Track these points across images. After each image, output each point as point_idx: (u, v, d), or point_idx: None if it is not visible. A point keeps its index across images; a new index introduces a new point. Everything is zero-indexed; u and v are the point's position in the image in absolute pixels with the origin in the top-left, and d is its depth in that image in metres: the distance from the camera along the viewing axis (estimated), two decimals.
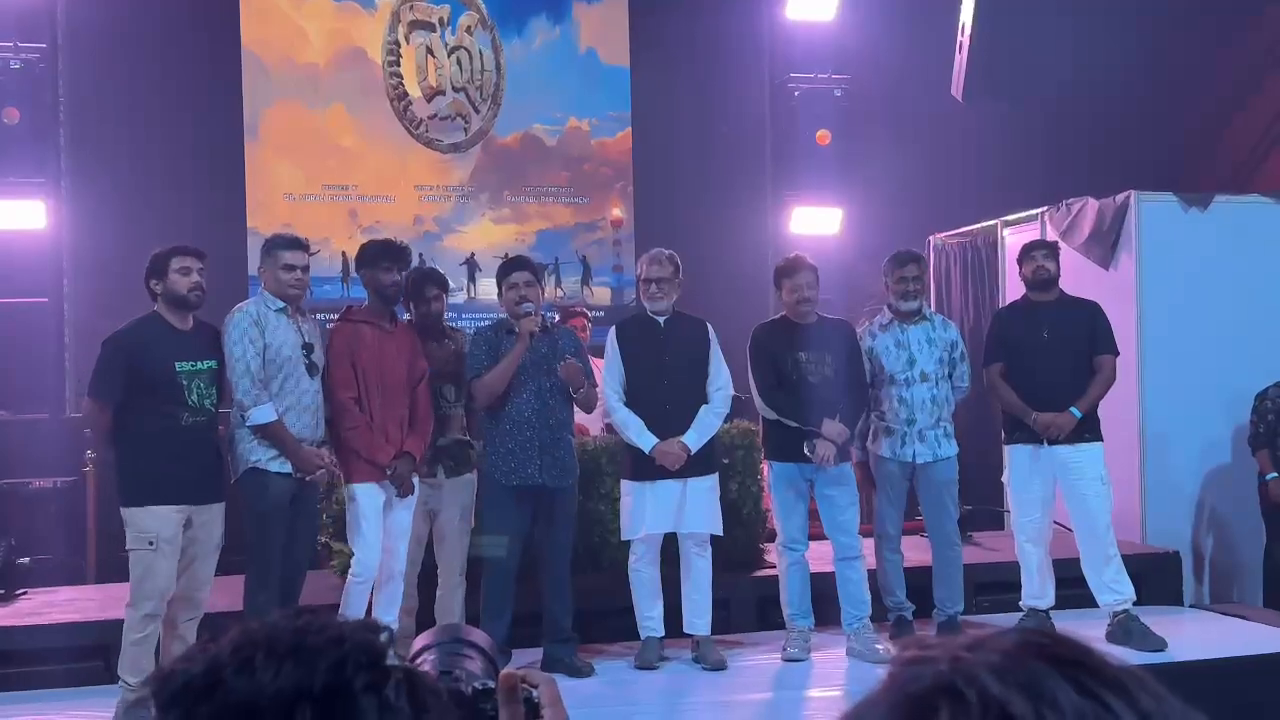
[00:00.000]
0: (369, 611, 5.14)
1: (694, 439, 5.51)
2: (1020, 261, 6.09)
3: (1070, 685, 0.72)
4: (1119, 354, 5.98)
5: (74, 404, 7.93)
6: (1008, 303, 6.98)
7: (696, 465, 5.53)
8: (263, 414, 4.98)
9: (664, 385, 5.58)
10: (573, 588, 5.59)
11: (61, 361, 8.09)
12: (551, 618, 5.54)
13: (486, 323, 6.03)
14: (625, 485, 5.65)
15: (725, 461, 6.00)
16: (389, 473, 5.18)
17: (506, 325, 5.52)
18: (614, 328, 5.85)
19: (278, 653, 0.87)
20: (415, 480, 5.32)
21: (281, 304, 5.11)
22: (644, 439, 5.51)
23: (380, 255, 5.37)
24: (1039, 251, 6.02)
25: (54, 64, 8.20)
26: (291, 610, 0.93)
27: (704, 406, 5.58)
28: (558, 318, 7.04)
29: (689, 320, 5.74)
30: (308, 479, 5.10)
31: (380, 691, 0.87)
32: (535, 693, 1.19)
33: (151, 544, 4.80)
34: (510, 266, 5.60)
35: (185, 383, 4.90)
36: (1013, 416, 5.94)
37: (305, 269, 5.17)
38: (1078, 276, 6.77)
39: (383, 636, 0.92)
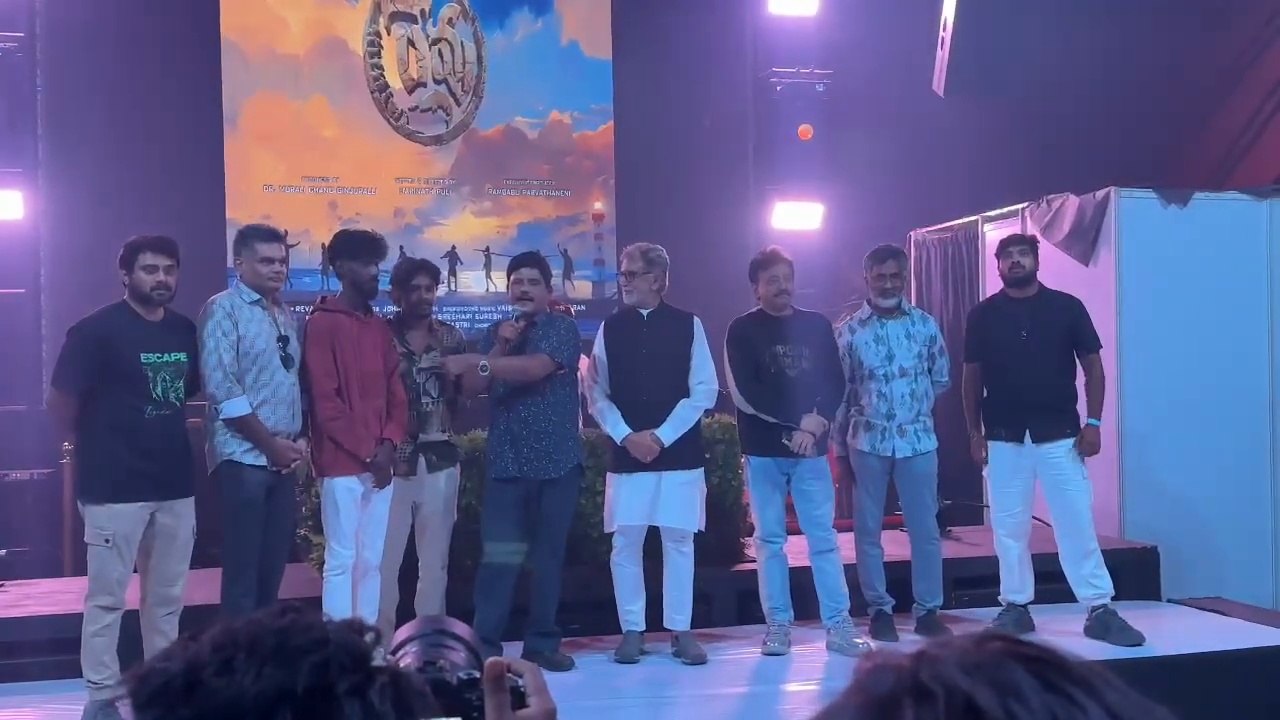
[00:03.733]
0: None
1: (668, 432, 5.50)
2: (998, 257, 6.10)
3: (1037, 681, 0.72)
4: (1102, 348, 6.00)
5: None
6: (985, 298, 6.99)
7: (674, 459, 5.52)
8: (235, 407, 4.94)
9: (642, 377, 5.58)
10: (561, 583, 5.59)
11: (39, 353, 8.03)
12: (535, 611, 5.54)
13: (490, 313, 6.10)
14: (608, 478, 5.67)
15: (706, 456, 6.00)
16: (369, 461, 5.16)
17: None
18: (603, 323, 5.88)
19: (260, 654, 0.85)
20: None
21: (257, 296, 5.07)
22: (618, 430, 5.53)
23: (361, 249, 5.34)
24: (1014, 248, 5.99)
25: (32, 53, 8.15)
26: (276, 608, 0.91)
27: (682, 400, 5.58)
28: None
29: (674, 314, 5.73)
30: (283, 472, 5.08)
31: (364, 695, 0.86)
32: (520, 681, 1.19)
33: (108, 541, 4.77)
34: (518, 261, 5.60)
35: (150, 374, 4.83)
36: (993, 412, 5.95)
37: (283, 261, 5.15)
38: (1058, 272, 6.78)
39: (368, 638, 0.90)
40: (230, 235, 7.94)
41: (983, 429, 6.01)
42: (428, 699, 0.90)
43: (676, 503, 5.55)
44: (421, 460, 5.54)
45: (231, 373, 4.95)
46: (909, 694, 0.72)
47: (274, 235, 5.22)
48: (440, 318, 6.14)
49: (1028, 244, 6.04)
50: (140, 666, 0.88)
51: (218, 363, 4.94)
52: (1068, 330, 5.91)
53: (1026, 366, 5.84)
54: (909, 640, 5.78)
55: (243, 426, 4.96)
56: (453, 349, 5.70)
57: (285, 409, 5.08)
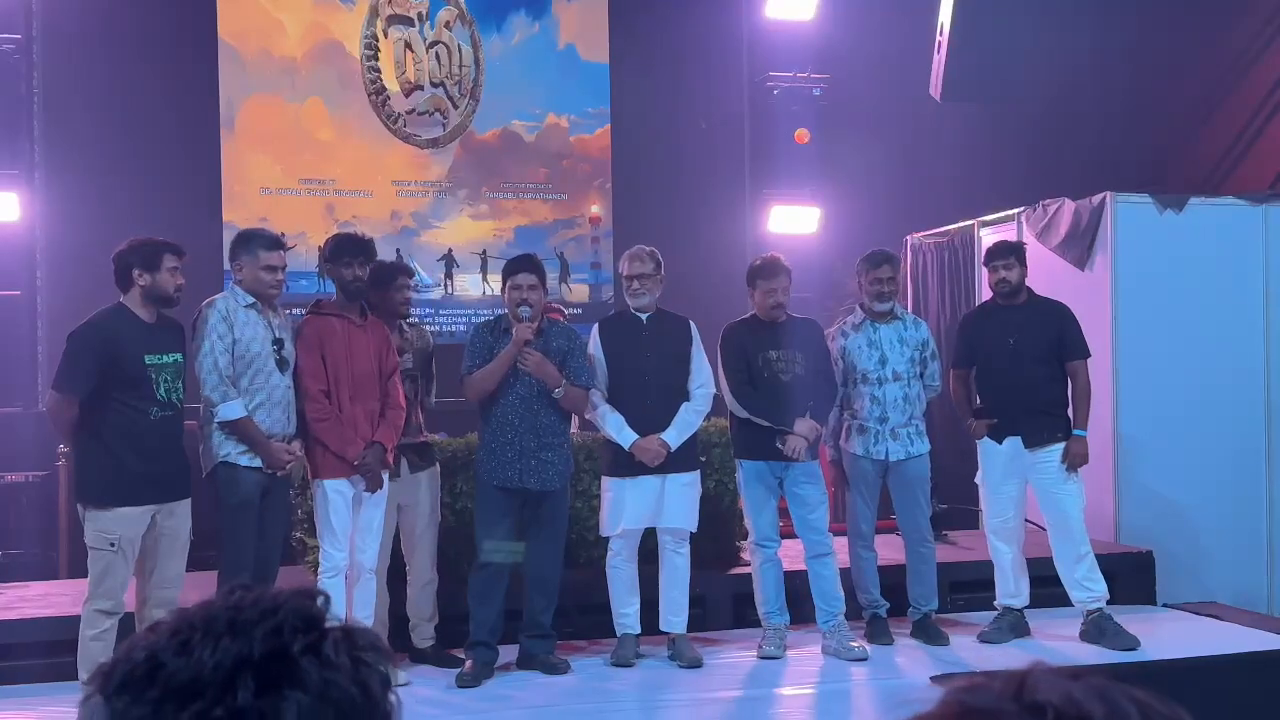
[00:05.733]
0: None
1: (674, 436, 5.51)
2: (985, 267, 6.11)
3: (1140, 715, 0.75)
4: (1091, 356, 6.00)
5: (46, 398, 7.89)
6: (976, 306, 6.99)
7: (676, 461, 5.54)
8: (231, 410, 4.94)
9: (645, 382, 5.58)
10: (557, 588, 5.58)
11: (34, 355, 8.03)
12: (531, 614, 5.53)
13: (487, 316, 6.05)
14: (605, 482, 5.66)
15: (702, 459, 6.00)
16: (357, 464, 5.15)
17: (505, 324, 5.48)
18: (597, 325, 5.86)
19: (214, 630, 0.89)
20: (384, 475, 5.29)
21: (251, 299, 5.07)
22: (624, 435, 5.51)
23: (341, 250, 5.33)
24: (998, 262, 5.97)
25: (29, 54, 8.15)
26: (224, 589, 0.94)
27: (685, 404, 5.59)
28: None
29: (671, 318, 5.74)
30: (278, 474, 5.07)
31: (319, 651, 0.89)
32: None
33: (113, 545, 4.75)
34: (516, 266, 5.51)
35: (154, 376, 4.82)
36: (985, 418, 5.97)
37: (284, 268, 5.15)
38: (1053, 277, 6.79)
39: (319, 601, 0.93)
40: (227, 238, 7.97)
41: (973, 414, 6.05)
42: (381, 650, 0.93)
43: (681, 504, 5.58)
44: (404, 462, 5.54)
45: (226, 375, 4.95)
46: (1015, 705, 0.74)
47: (277, 243, 5.20)
48: (436, 321, 6.13)
49: (1013, 255, 6.00)
50: (104, 663, 0.92)
51: (213, 365, 4.94)
52: (1056, 338, 5.91)
53: (1016, 373, 5.85)
54: (905, 645, 5.79)
55: (237, 429, 4.96)
56: (422, 350, 5.71)
57: (280, 411, 5.07)
